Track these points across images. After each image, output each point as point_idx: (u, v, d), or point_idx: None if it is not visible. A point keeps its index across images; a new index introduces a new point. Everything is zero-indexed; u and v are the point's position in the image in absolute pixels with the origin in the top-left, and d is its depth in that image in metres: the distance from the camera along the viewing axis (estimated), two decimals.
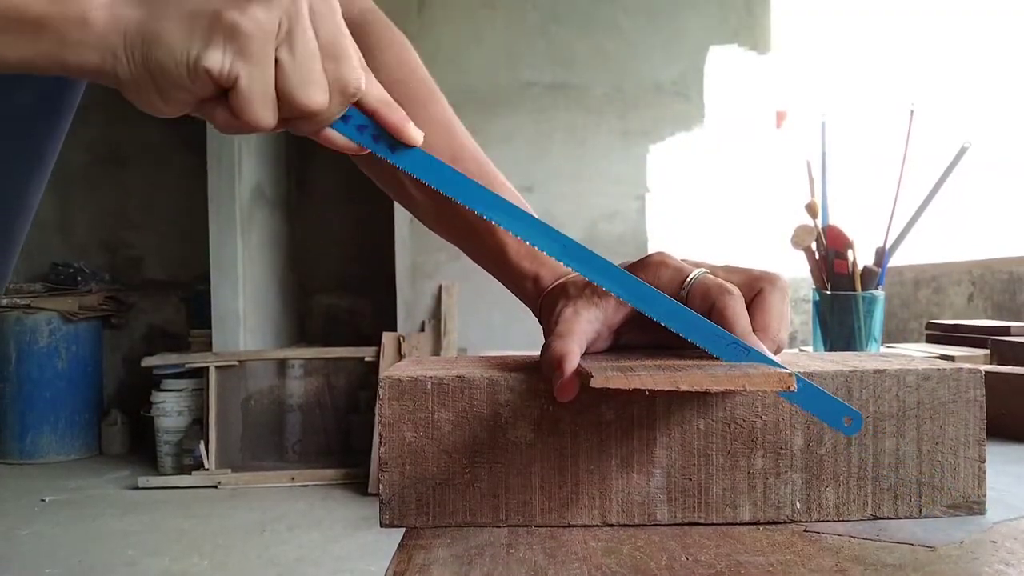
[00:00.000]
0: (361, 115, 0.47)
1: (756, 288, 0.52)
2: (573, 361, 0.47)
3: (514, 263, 0.61)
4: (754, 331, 0.50)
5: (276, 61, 0.43)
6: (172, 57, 0.42)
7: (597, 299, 0.52)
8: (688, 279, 0.51)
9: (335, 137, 0.47)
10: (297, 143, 5.42)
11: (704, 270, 0.52)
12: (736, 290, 0.50)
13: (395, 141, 0.48)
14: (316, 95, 0.44)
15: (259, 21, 0.42)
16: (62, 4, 0.42)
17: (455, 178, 0.50)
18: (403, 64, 0.70)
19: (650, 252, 0.55)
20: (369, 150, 0.48)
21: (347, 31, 0.46)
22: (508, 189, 0.64)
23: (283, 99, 0.44)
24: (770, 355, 0.48)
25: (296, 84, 0.44)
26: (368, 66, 0.70)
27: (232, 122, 0.44)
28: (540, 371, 0.50)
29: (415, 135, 0.48)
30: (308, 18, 0.44)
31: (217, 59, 0.42)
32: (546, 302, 0.57)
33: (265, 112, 0.44)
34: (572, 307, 0.52)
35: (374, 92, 0.47)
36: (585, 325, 0.51)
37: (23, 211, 0.74)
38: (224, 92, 0.43)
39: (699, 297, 0.50)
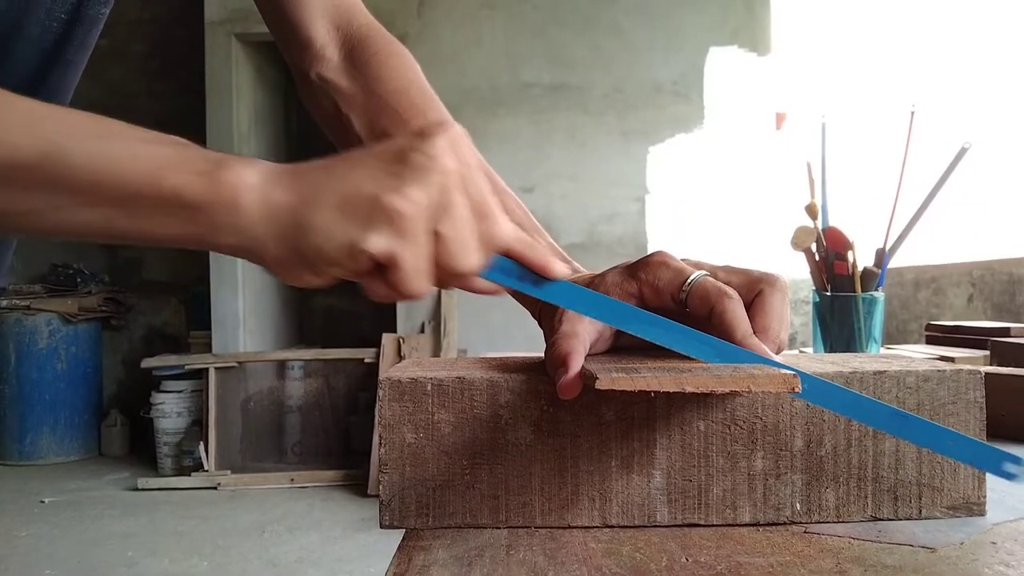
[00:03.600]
0: (505, 259, 0.48)
1: (755, 289, 0.52)
2: (578, 359, 0.47)
3: None
4: (755, 332, 0.50)
5: (434, 234, 0.43)
6: (329, 243, 0.42)
7: None
8: (687, 281, 0.51)
9: (481, 285, 0.48)
10: (297, 142, 5.42)
11: (704, 272, 0.52)
12: (735, 294, 0.50)
13: (539, 277, 0.48)
14: (472, 259, 0.45)
15: (419, 203, 0.42)
16: (216, 188, 0.42)
17: (603, 303, 0.50)
18: (403, 75, 0.71)
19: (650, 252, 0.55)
20: (514, 290, 0.49)
21: (489, 186, 0.46)
22: (510, 194, 0.65)
23: (441, 267, 0.44)
24: (774, 357, 0.48)
25: (454, 254, 0.44)
26: (370, 78, 0.72)
27: (389, 293, 0.44)
28: (542, 372, 0.50)
29: (560, 270, 0.48)
30: (462, 187, 0.44)
31: (378, 243, 0.42)
32: (546, 306, 0.57)
33: (422, 283, 0.44)
34: None
35: (513, 235, 0.47)
36: (588, 326, 0.51)
37: None
38: (382, 267, 0.43)
39: (698, 300, 0.50)
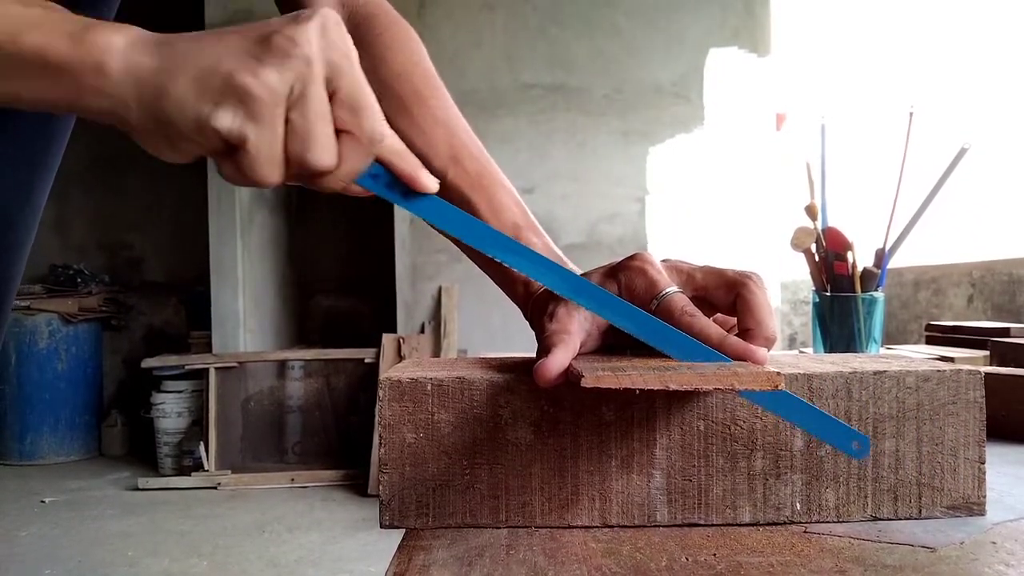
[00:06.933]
0: (376, 164, 0.47)
1: (735, 290, 0.53)
2: (563, 350, 0.48)
3: (507, 267, 0.61)
4: (749, 328, 0.51)
5: (287, 121, 0.43)
6: (182, 113, 0.42)
7: None
8: (659, 295, 0.52)
9: (352, 188, 0.47)
10: None
11: (675, 289, 0.52)
12: (698, 311, 0.51)
13: (408, 188, 0.48)
14: (323, 157, 0.44)
15: (271, 86, 0.42)
16: (82, 50, 0.42)
17: (468, 223, 0.50)
18: (408, 58, 0.69)
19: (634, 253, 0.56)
20: (381, 196, 0.48)
21: (366, 83, 0.45)
22: (507, 189, 0.64)
23: (291, 159, 0.44)
24: (756, 352, 0.48)
25: (304, 147, 0.43)
26: (374, 58, 0.69)
27: (238, 177, 0.44)
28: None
29: (428, 183, 0.48)
30: (322, 80, 0.43)
31: (226, 121, 0.42)
32: (536, 306, 0.58)
33: (271, 171, 0.44)
34: (564, 307, 0.53)
35: (388, 142, 0.47)
36: (577, 324, 0.52)
37: (26, 216, 0.74)
38: (232, 147, 0.43)
39: (664, 316, 0.51)
